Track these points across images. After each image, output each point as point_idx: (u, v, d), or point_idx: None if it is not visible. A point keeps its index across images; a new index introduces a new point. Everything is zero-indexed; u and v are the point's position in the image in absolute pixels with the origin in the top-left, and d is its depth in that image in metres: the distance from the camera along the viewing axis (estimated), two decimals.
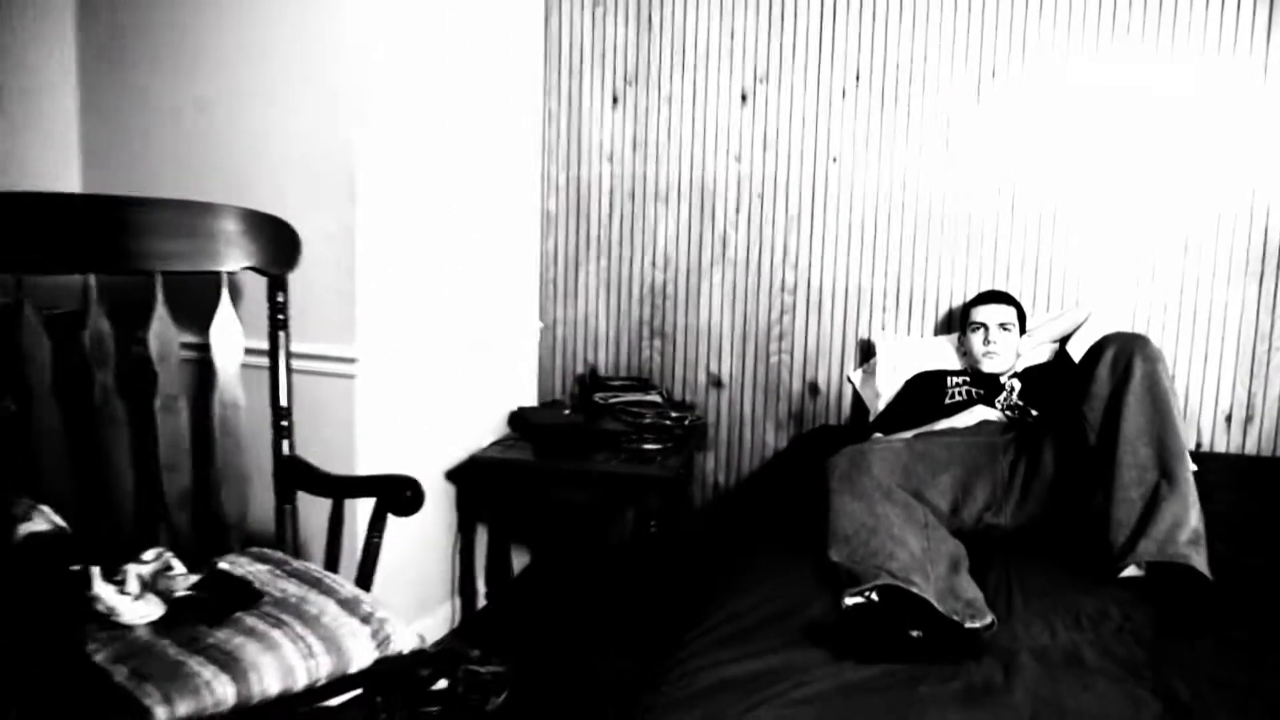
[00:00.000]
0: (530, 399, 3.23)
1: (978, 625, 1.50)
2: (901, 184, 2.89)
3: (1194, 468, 2.22)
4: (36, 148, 2.45)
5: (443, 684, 2.13)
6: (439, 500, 2.70)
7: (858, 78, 2.89)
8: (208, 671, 1.49)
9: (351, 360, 2.32)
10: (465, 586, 2.79)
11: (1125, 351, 1.88)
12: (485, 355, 2.93)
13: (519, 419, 3.01)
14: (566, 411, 3.01)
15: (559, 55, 3.13)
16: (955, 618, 1.49)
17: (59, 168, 2.50)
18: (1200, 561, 1.68)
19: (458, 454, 2.76)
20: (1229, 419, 2.75)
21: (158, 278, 1.89)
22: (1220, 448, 2.76)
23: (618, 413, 2.92)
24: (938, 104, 2.83)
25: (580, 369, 3.22)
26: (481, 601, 2.88)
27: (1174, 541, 1.70)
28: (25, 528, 1.56)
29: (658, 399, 3.00)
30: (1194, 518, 1.74)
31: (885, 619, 1.45)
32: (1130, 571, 1.76)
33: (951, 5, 2.79)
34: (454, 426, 2.75)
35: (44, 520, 1.60)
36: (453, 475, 2.74)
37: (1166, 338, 2.75)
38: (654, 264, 3.13)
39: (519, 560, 3.15)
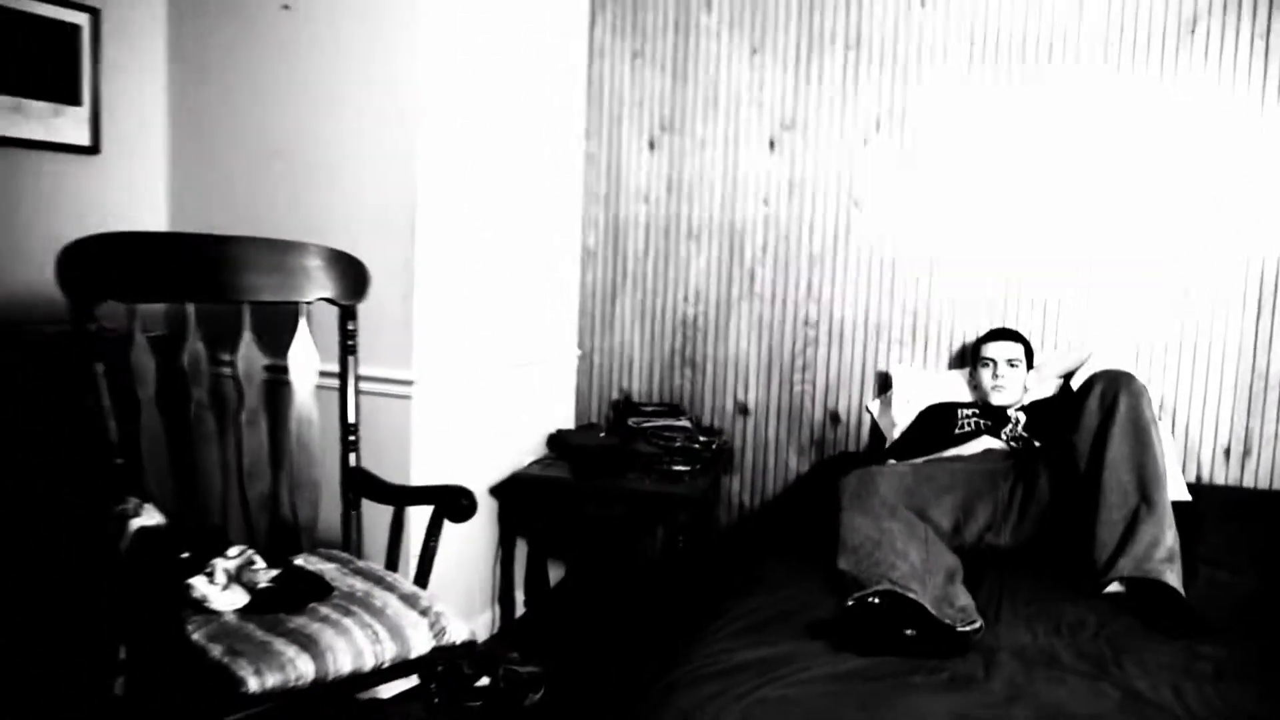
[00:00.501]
0: (568, 422, 3.46)
1: (967, 629, 1.69)
2: (918, 227, 3.10)
3: (1187, 497, 2.41)
4: (134, 189, 2.75)
5: (484, 681, 2.37)
6: (482, 514, 2.93)
7: (878, 127, 3.12)
8: (290, 650, 1.73)
9: (409, 383, 2.57)
10: (505, 595, 3.02)
11: (1112, 388, 2.08)
12: (527, 380, 3.17)
13: (557, 440, 3.24)
14: (602, 434, 3.24)
15: (600, 102, 3.39)
16: (947, 621, 1.69)
17: (150, 207, 2.80)
18: (1174, 578, 1.87)
19: (500, 471, 2.99)
20: (1228, 453, 2.92)
21: (246, 307, 2.15)
22: (1219, 480, 2.92)
23: (650, 436, 3.14)
24: (952, 152, 3.05)
25: (615, 395, 3.46)
26: (520, 610, 3.10)
27: (1150, 559, 1.89)
28: (136, 522, 1.82)
29: (687, 424, 3.21)
30: (1169, 538, 1.93)
31: (884, 618, 1.65)
32: (1113, 588, 1.95)
33: (968, 61, 3.02)
34: (498, 445, 2.99)
35: (150, 516, 1.86)
36: (496, 491, 2.98)
37: (1167, 375, 2.93)
38: (686, 298, 3.36)
39: (555, 573, 3.36)
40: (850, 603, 1.72)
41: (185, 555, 1.70)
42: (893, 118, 3.11)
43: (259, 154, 2.71)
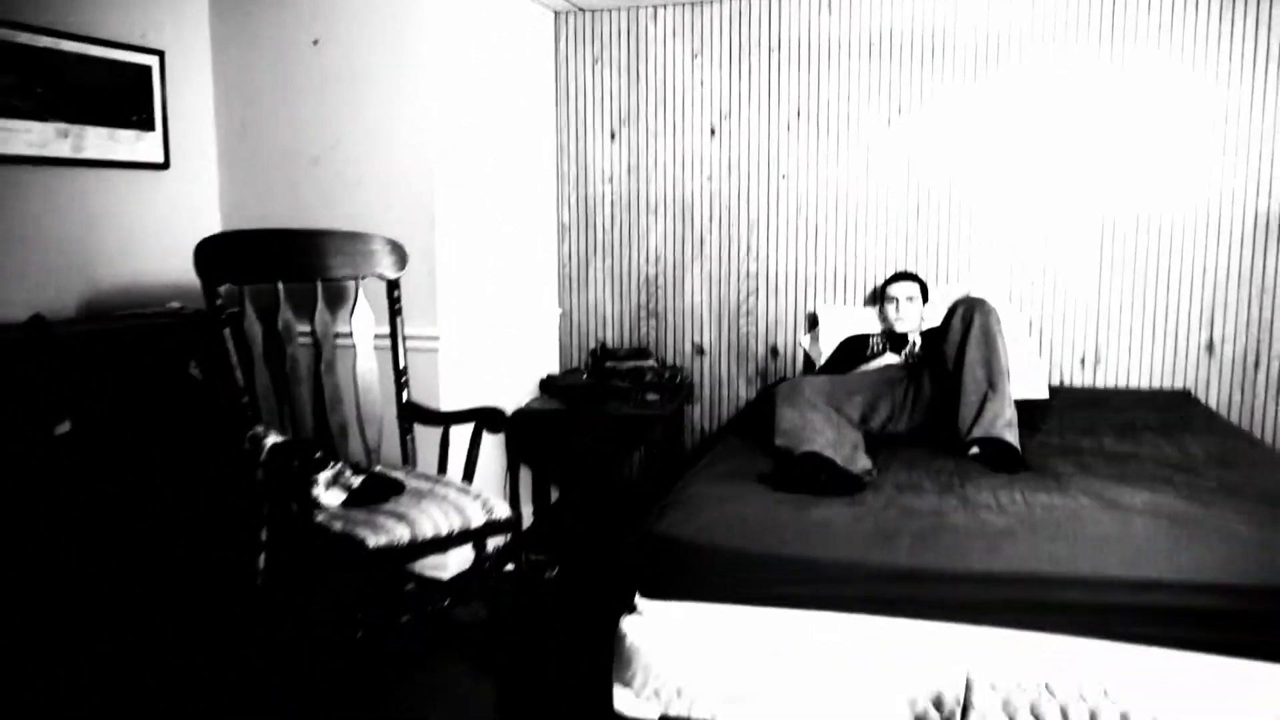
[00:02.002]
0: (554, 369, 4.21)
1: (862, 475, 2.49)
2: (834, 194, 3.89)
3: (1045, 395, 3.24)
4: (195, 195, 3.43)
5: (510, 566, 3.12)
6: (494, 445, 3.67)
7: (799, 114, 3.89)
8: (390, 522, 2.48)
9: (435, 338, 3.30)
10: (514, 511, 3.77)
11: (969, 309, 2.90)
12: (520, 334, 3.91)
13: (547, 383, 3.99)
14: (584, 376, 4.00)
15: (567, 101, 4.12)
16: (851, 469, 2.48)
17: (208, 209, 3.48)
18: (1011, 437, 2.69)
19: (505, 408, 3.74)
20: (1082, 362, 3.77)
21: (319, 284, 2.87)
22: (1076, 384, 3.77)
23: (624, 375, 3.91)
24: (859, 133, 3.84)
25: (592, 344, 4.22)
26: (527, 522, 3.86)
27: (995, 425, 2.71)
28: (268, 440, 2.54)
29: (654, 364, 3.98)
30: (1008, 412, 2.75)
31: (806, 468, 2.44)
32: (973, 451, 2.76)
33: (868, 58, 3.79)
34: (502, 387, 3.73)
35: (275, 437, 2.58)
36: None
37: (1034, 303, 3.75)
38: (648, 260, 4.12)
39: (554, 496, 4.12)
40: (783, 460, 2.51)
41: (318, 455, 2.43)
42: (809, 105, 3.88)
43: (298, 162, 3.40)
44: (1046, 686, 1.94)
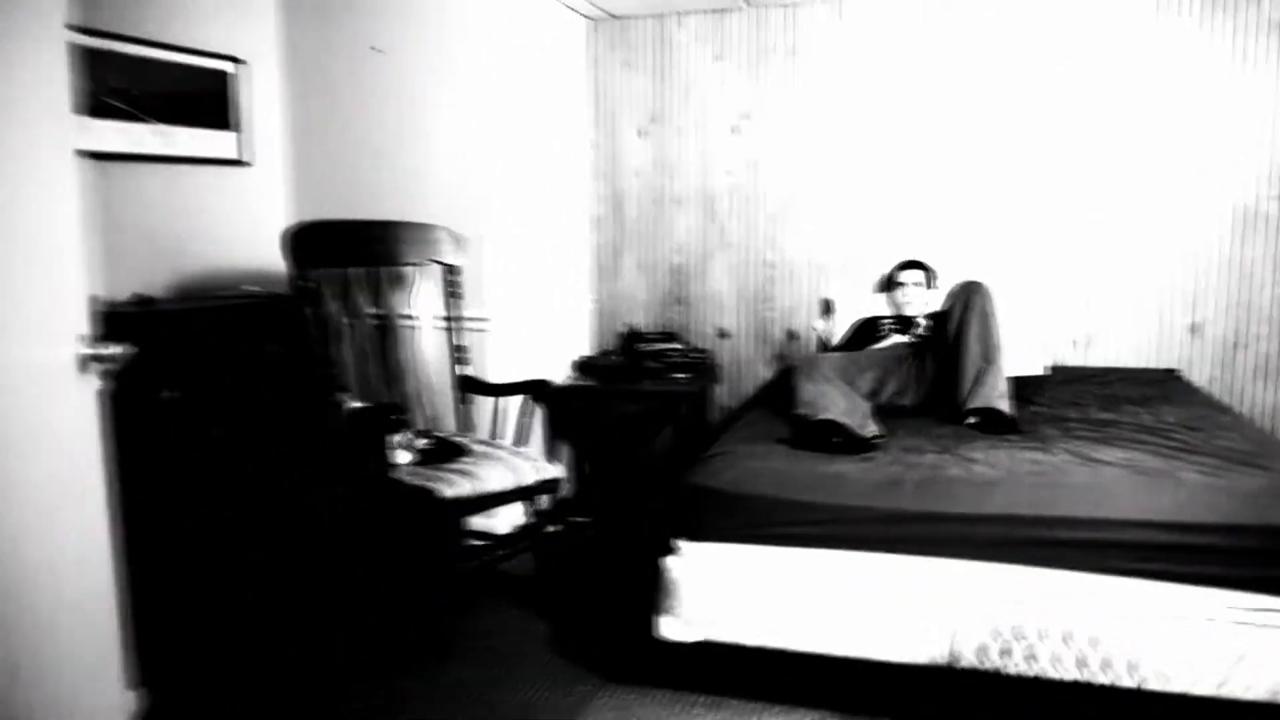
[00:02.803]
0: (588, 351, 4.59)
1: (873, 439, 2.86)
2: (847, 188, 4.25)
3: (1041, 372, 3.60)
4: (268, 188, 3.81)
5: (552, 527, 3.49)
6: (535, 419, 4.05)
7: (814, 114, 4.24)
8: (457, 478, 2.86)
9: (484, 320, 3.68)
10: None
11: (967, 291, 3.26)
12: (558, 319, 4.29)
13: (583, 364, 4.37)
14: (617, 357, 4.37)
15: (600, 102, 4.49)
16: (861, 433, 2.85)
17: (280, 201, 3.86)
18: (1005, 405, 3.05)
19: None
20: (1075, 343, 4.12)
21: (382, 270, 3.25)
22: (1070, 363, 4.12)
23: (653, 356, 4.28)
24: (869, 132, 4.19)
25: (623, 328, 4.59)
26: (566, 490, 4.23)
27: (990, 396, 3.07)
28: (350, 404, 2.93)
29: (681, 346, 4.35)
30: (1002, 384, 3.11)
31: (822, 432, 2.81)
32: (970, 420, 3.12)
33: (876, 63, 4.15)
34: (541, 367, 4.11)
35: (355, 401, 2.97)
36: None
37: (1032, 289, 4.10)
38: (675, 250, 4.49)
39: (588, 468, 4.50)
40: (801, 426, 2.89)
41: (396, 416, 2.81)
42: (823, 106, 4.24)
43: (361, 157, 3.78)
44: (1028, 612, 2.31)
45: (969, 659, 2.35)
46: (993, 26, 4.01)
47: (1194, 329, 3.98)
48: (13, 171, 1.51)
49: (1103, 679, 2.27)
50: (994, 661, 2.33)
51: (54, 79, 1.58)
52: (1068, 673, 2.29)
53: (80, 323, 1.67)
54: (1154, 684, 2.24)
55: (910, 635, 2.38)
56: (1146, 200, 3.95)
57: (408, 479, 2.86)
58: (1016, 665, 2.32)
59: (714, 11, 4.29)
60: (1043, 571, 2.33)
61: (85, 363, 1.67)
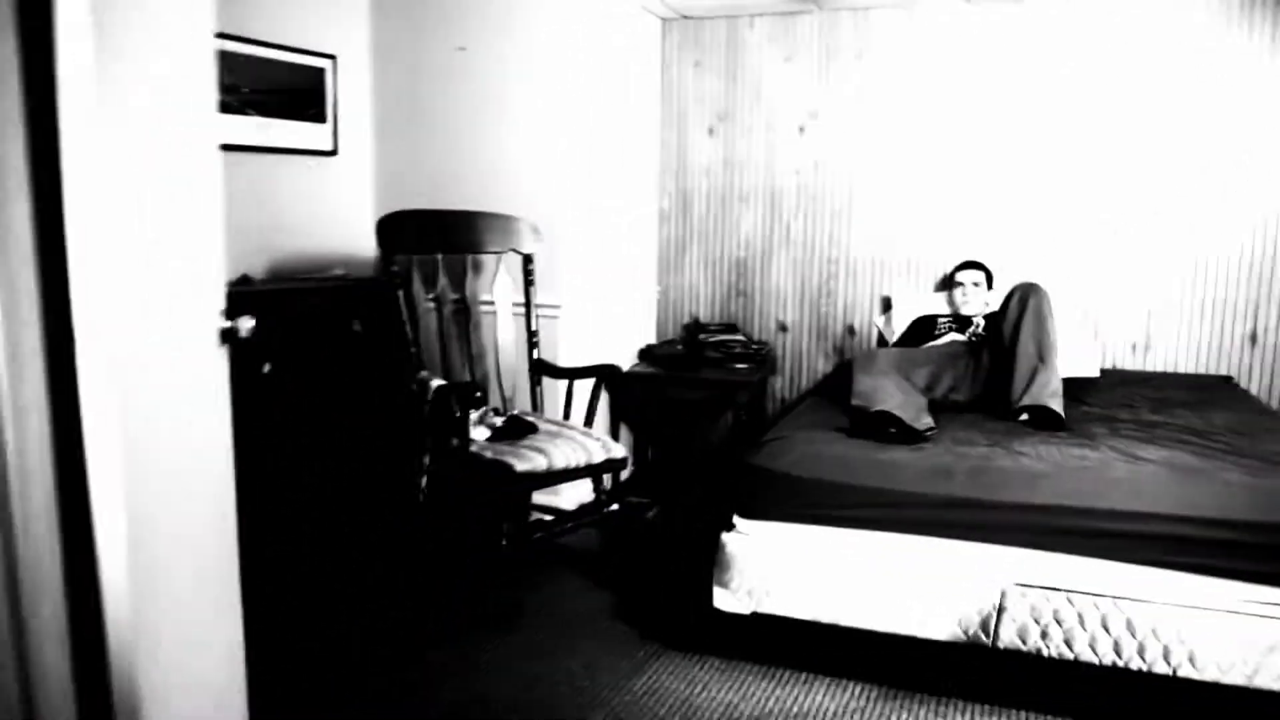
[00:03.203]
0: (652, 340, 4.78)
1: (926, 430, 3.01)
2: (909, 189, 4.38)
3: (1096, 374, 3.71)
4: (355, 178, 4.07)
5: (615, 506, 3.67)
6: (600, 403, 4.25)
7: (881, 113, 4.38)
8: (531, 453, 3.07)
9: (557, 306, 3.89)
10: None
11: (1024, 292, 3.38)
12: (623, 308, 4.49)
13: (646, 352, 4.56)
14: (679, 347, 4.56)
15: (671, 101, 4.67)
16: (915, 426, 3.00)
17: (366, 190, 4.12)
18: (1056, 404, 3.17)
19: None
20: (1134, 347, 4.21)
21: (468, 257, 3.47)
22: (1126, 367, 4.21)
23: (714, 347, 4.46)
24: (933, 134, 4.31)
25: (686, 319, 4.78)
26: (625, 474, 4.44)
27: (1042, 395, 3.20)
28: (434, 383, 3.16)
29: (742, 338, 4.52)
30: (1055, 383, 3.24)
31: (877, 422, 2.96)
32: (1022, 417, 3.25)
33: (943, 66, 4.27)
34: (608, 353, 4.31)
35: (438, 380, 3.19)
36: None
37: (1091, 292, 4.20)
38: (738, 245, 4.67)
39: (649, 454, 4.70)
40: (858, 416, 3.05)
41: (478, 394, 3.03)
42: (892, 113, 4.37)
43: (443, 149, 4.02)
44: (1068, 597, 2.45)
45: (1009, 640, 2.50)
46: (1058, 34, 4.11)
47: (1253, 337, 4.05)
48: (171, 166, 1.73)
49: (1138, 664, 2.40)
50: (1034, 643, 2.48)
51: (204, 82, 1.81)
52: (1105, 657, 2.43)
53: (219, 299, 1.90)
54: (1187, 671, 2.37)
55: (953, 615, 2.54)
56: (1207, 207, 4.02)
57: (485, 453, 3.08)
58: (1056, 648, 2.46)
59: (785, 14, 4.45)
60: (1084, 560, 2.47)
61: (223, 336, 1.90)
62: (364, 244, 4.11)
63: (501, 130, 3.91)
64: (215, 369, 1.90)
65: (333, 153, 3.93)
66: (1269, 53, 3.88)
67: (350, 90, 4.00)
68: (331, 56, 3.87)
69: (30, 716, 1.28)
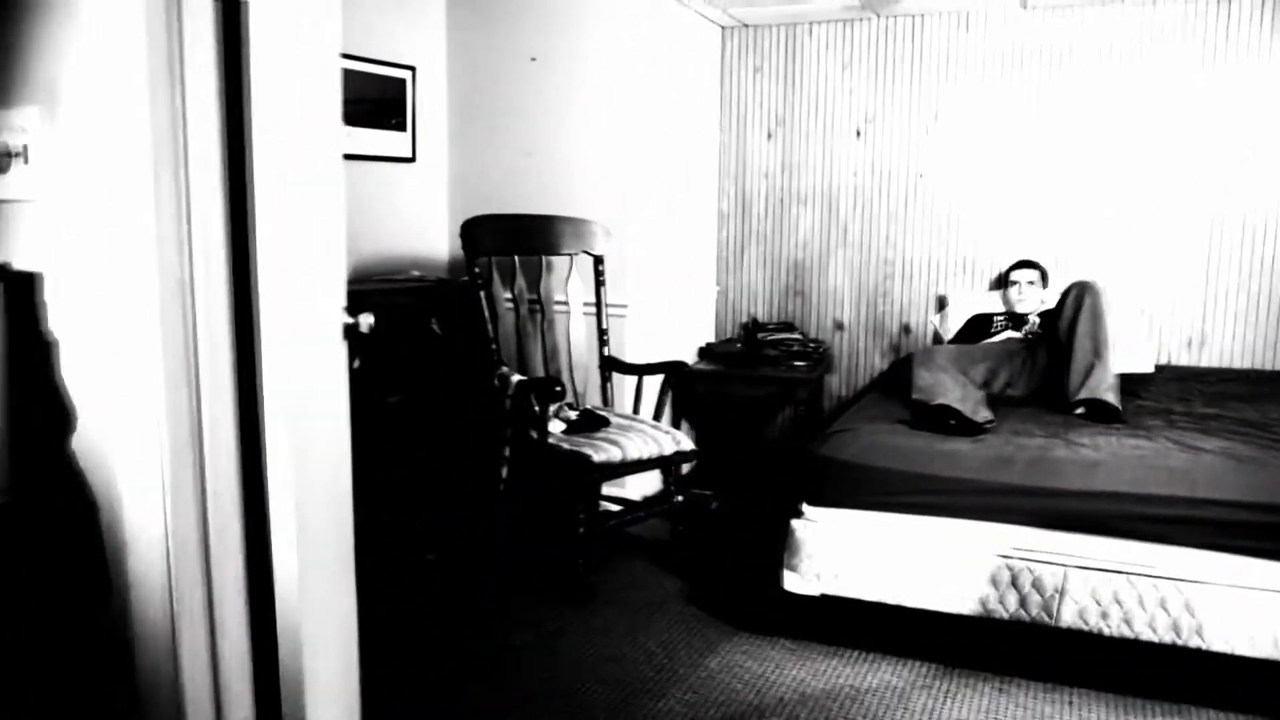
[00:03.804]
0: (711, 338, 4.96)
1: (984, 423, 3.15)
2: (965, 190, 4.51)
3: (1150, 370, 3.83)
4: (431, 182, 4.29)
5: (680, 498, 3.84)
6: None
7: (936, 119, 4.52)
8: (606, 445, 3.26)
9: (625, 305, 4.08)
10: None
11: (1079, 290, 3.51)
12: (684, 307, 4.67)
13: (706, 350, 4.74)
14: (738, 345, 4.73)
15: (730, 105, 4.84)
16: (974, 418, 3.14)
17: (441, 194, 4.34)
18: (1112, 398, 3.30)
19: None
20: (1189, 343, 4.30)
21: (543, 259, 3.67)
22: (1180, 363, 4.31)
23: (772, 345, 4.61)
24: (988, 137, 4.44)
25: (745, 318, 4.94)
26: (688, 468, 4.62)
27: (1099, 389, 3.32)
28: (514, 378, 3.36)
29: (799, 336, 4.68)
30: (1111, 378, 3.36)
31: (938, 415, 3.11)
32: (1078, 411, 3.38)
33: (998, 71, 4.39)
34: (669, 351, 4.49)
35: (516, 375, 3.40)
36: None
37: (1146, 290, 4.30)
38: (796, 246, 4.82)
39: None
40: (918, 409, 3.20)
41: (558, 389, 3.23)
42: (945, 112, 4.51)
43: (514, 155, 4.22)
44: (1128, 579, 2.59)
45: (1069, 620, 2.63)
46: (1108, 38, 4.22)
47: None
48: (305, 174, 1.94)
49: (1196, 643, 2.53)
50: (1094, 624, 2.61)
51: (331, 97, 2.01)
52: (1164, 636, 2.56)
53: (341, 295, 2.11)
54: (1244, 650, 2.49)
55: (1015, 598, 2.68)
56: (1262, 206, 4.11)
57: (562, 445, 3.28)
58: (1115, 629, 2.60)
59: (842, 21, 4.60)
60: (1143, 545, 2.60)
61: (346, 331, 2.10)
62: (437, 247, 4.33)
63: (570, 136, 4.11)
64: (337, 362, 2.11)
65: (411, 159, 4.15)
66: None
67: (425, 98, 4.22)
68: (411, 68, 4.09)
69: (214, 655, 1.49)
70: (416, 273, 4.10)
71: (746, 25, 4.75)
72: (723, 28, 4.81)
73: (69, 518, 1.32)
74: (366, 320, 2.15)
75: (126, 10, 1.44)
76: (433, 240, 4.34)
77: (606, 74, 4.02)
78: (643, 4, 4.04)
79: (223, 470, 1.49)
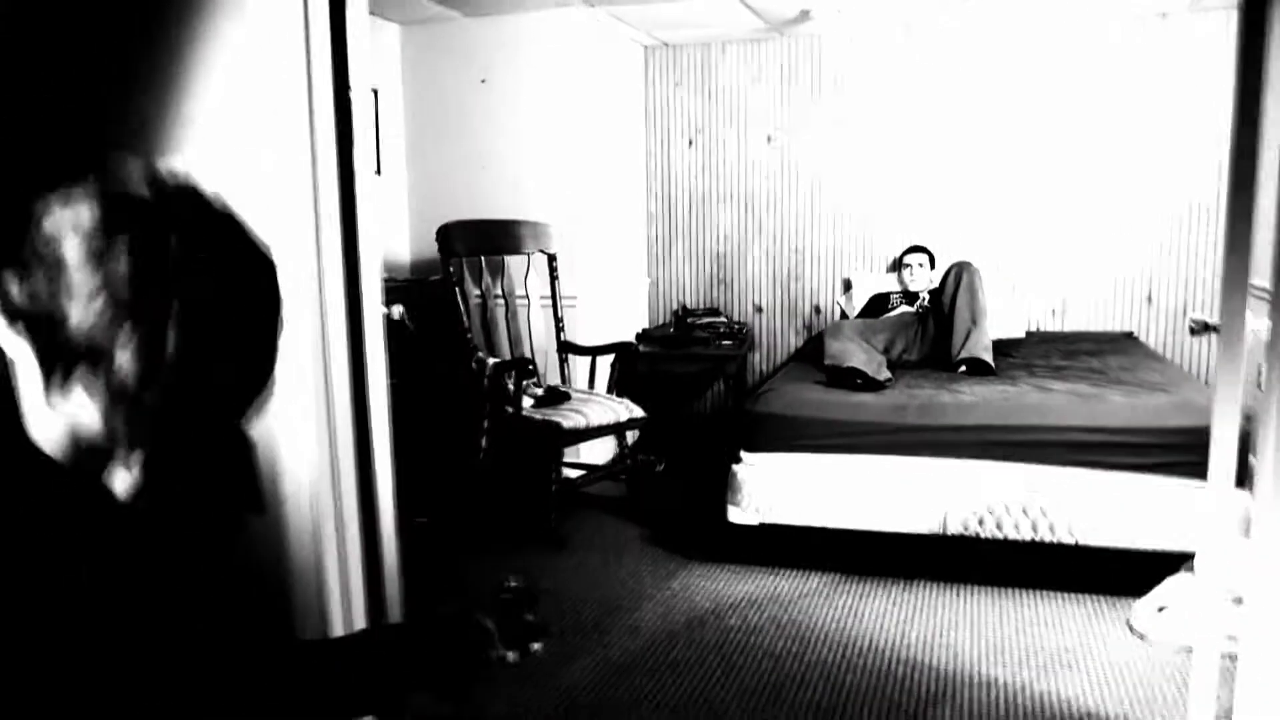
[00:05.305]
0: (646, 324, 5.62)
1: (885, 381, 3.88)
2: (865, 188, 5.26)
3: (1021, 335, 4.63)
4: (393, 194, 4.85)
5: (629, 461, 4.47)
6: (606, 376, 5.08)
7: (836, 124, 5.26)
8: (572, 414, 3.89)
9: (575, 297, 4.70)
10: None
11: (959, 269, 4.29)
12: (621, 297, 5.32)
13: (643, 334, 5.39)
14: (671, 330, 5.39)
15: (656, 116, 5.51)
16: (877, 378, 3.87)
17: (400, 203, 4.90)
18: (987, 356, 4.07)
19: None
20: (1053, 312, 5.14)
21: (504, 257, 4.28)
22: (1046, 329, 5.14)
23: (701, 328, 5.30)
24: (882, 140, 5.20)
25: (675, 305, 5.62)
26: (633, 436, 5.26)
27: (975, 349, 4.10)
28: (490, 361, 3.96)
29: (724, 320, 5.37)
30: (986, 340, 4.14)
31: (847, 376, 3.83)
32: (961, 369, 4.14)
33: (887, 83, 5.15)
34: (612, 336, 5.13)
35: (490, 359, 4.00)
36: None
37: (1017, 266, 5.11)
38: (718, 240, 5.52)
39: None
40: (831, 372, 3.92)
41: (531, 367, 3.84)
42: (845, 122, 5.25)
43: (468, 168, 4.81)
44: (999, 493, 3.34)
45: (955, 529, 3.37)
46: (976, 56, 5.02)
47: (1149, 299, 4.99)
48: (369, 198, 2.51)
49: (1051, 538, 3.29)
50: (974, 530, 3.36)
51: (367, 138, 2.60)
52: (1026, 535, 3.31)
53: (380, 291, 2.69)
54: (1088, 540, 3.26)
55: (913, 514, 3.41)
56: (1114, 193, 4.96)
57: (534, 415, 3.89)
58: (989, 532, 3.35)
59: (752, 40, 5.31)
60: (1007, 465, 3.35)
61: (401, 320, 2.68)
62: (399, 251, 4.88)
63: (517, 148, 4.71)
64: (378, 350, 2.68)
65: (378, 172, 4.70)
66: (1172, 64, 4.83)
67: (385, 116, 4.78)
68: (374, 90, 4.64)
69: (342, 548, 2.07)
70: (385, 275, 4.64)
71: (668, 44, 5.42)
72: (645, 47, 5.47)
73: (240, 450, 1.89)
74: (398, 310, 2.75)
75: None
76: (396, 246, 4.90)
77: (547, 91, 4.64)
78: (576, 28, 4.67)
79: (341, 420, 2.07)
